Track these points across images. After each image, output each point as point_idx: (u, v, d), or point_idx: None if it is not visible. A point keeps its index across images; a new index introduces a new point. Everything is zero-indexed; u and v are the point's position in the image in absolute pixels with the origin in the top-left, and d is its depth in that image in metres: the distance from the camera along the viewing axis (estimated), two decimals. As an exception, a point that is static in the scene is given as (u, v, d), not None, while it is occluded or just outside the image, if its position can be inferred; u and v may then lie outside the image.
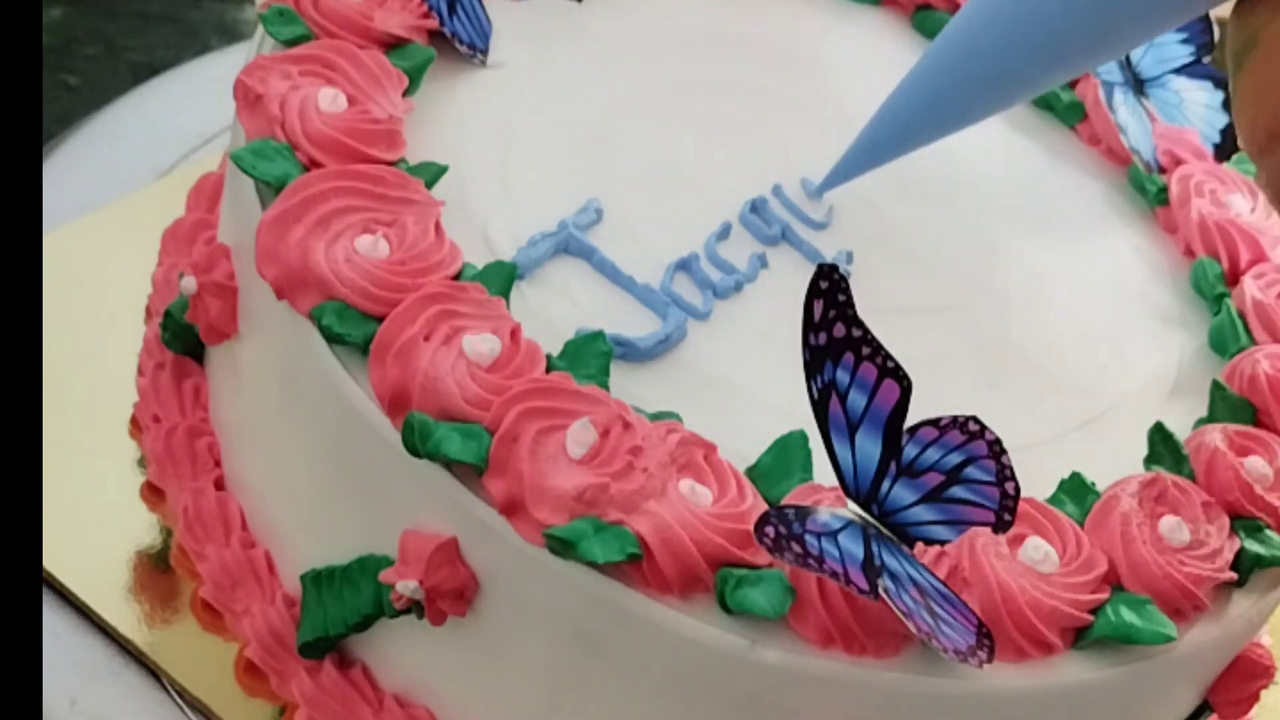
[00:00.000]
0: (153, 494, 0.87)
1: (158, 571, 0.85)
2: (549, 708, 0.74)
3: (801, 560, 0.66)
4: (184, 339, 0.86)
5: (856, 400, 0.71)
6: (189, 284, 0.81)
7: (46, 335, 0.86)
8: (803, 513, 0.69)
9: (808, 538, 0.67)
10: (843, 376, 0.71)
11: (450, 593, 0.72)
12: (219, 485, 0.84)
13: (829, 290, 0.71)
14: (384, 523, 0.74)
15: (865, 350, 0.72)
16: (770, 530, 0.66)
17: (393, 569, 0.73)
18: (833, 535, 0.69)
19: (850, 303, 0.71)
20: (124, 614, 0.83)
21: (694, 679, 0.70)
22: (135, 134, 1.02)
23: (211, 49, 1.21)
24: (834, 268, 0.71)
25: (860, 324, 0.71)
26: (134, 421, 0.90)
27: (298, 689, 0.79)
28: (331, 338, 0.73)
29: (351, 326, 0.73)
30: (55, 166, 0.99)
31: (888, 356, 0.72)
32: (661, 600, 0.69)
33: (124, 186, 0.98)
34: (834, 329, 0.71)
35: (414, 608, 0.73)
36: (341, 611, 0.76)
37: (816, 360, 0.71)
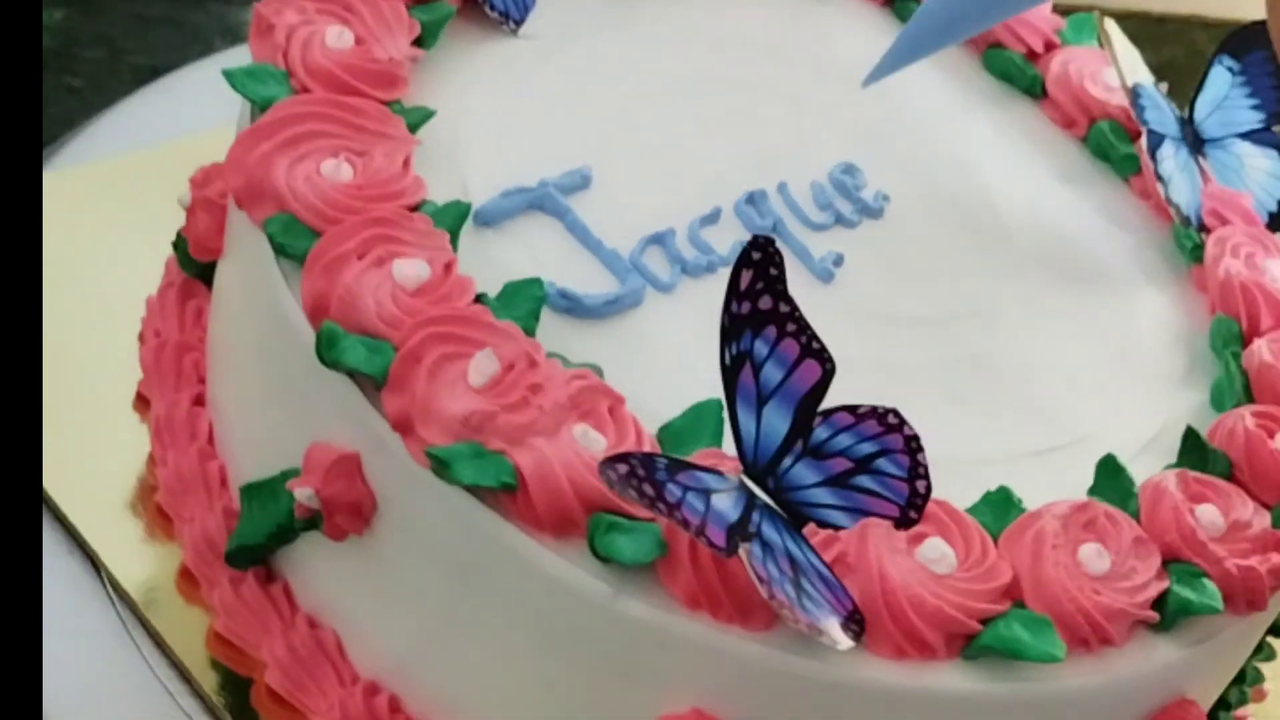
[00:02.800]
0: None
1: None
2: (432, 635, 0.75)
3: (649, 503, 0.65)
4: (192, 260, 0.89)
5: (772, 373, 0.71)
6: (184, 197, 0.85)
7: (47, 336, 0.85)
8: (680, 466, 0.68)
9: (670, 486, 0.66)
10: (761, 348, 0.71)
11: (347, 506, 0.73)
12: (199, 402, 0.87)
13: (761, 262, 0.71)
14: (303, 436, 0.75)
15: (790, 327, 0.71)
16: (622, 467, 0.66)
17: (297, 478, 0.74)
18: (705, 493, 0.68)
19: (781, 277, 0.71)
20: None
21: (562, 623, 0.70)
22: (138, 136, 1.03)
23: (214, 51, 1.22)
24: (769, 240, 0.71)
25: (790, 300, 0.71)
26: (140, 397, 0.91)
27: (218, 598, 0.81)
28: (277, 249, 0.75)
29: (296, 239, 0.75)
30: (58, 168, 1.00)
31: (814, 337, 0.71)
32: (535, 537, 0.69)
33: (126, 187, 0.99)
34: (760, 300, 0.71)
35: (316, 520, 0.74)
36: (263, 522, 0.78)
37: (735, 328, 0.71)
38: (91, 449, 0.88)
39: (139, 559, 0.85)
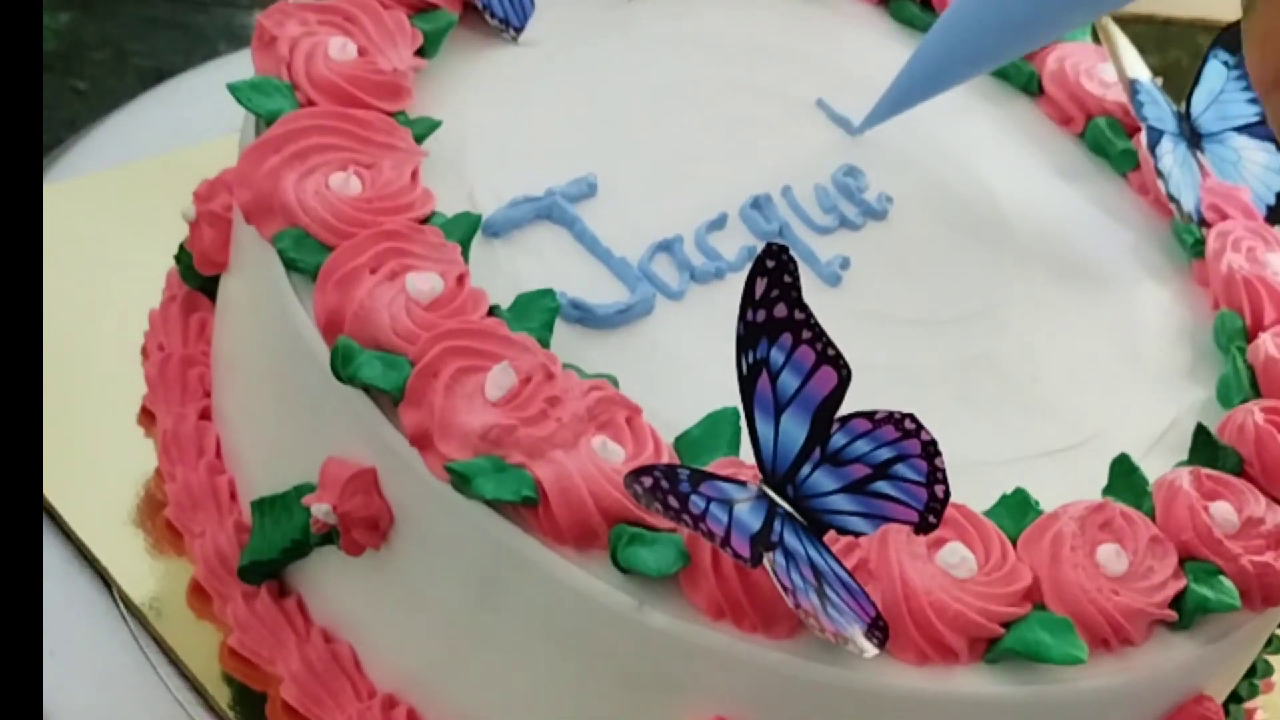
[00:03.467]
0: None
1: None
2: (452, 649, 0.75)
3: (675, 515, 0.65)
4: (196, 273, 0.88)
5: (788, 381, 0.71)
6: (189, 211, 0.84)
7: (50, 349, 0.85)
8: (702, 477, 0.68)
9: (694, 497, 0.66)
10: (777, 356, 0.71)
11: (364, 522, 0.73)
12: (205, 415, 0.87)
13: (775, 269, 0.71)
14: (318, 451, 0.75)
15: (806, 334, 0.71)
16: (647, 480, 0.66)
17: (313, 494, 0.74)
18: (728, 503, 0.68)
19: (796, 285, 0.71)
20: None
21: (585, 635, 0.70)
22: (143, 139, 1.03)
23: (219, 54, 1.22)
24: (783, 248, 0.71)
25: (804, 307, 0.71)
26: (145, 410, 0.90)
27: (232, 612, 0.80)
28: (288, 263, 0.75)
29: (307, 254, 0.75)
30: (63, 171, 1.00)
31: (829, 344, 0.71)
32: (557, 550, 0.69)
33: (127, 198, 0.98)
34: (775, 308, 0.71)
35: (333, 535, 0.74)
36: (277, 537, 0.78)
37: (751, 336, 0.71)
38: (97, 463, 0.88)
39: (147, 574, 0.84)
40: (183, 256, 0.89)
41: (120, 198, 0.98)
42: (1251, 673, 0.87)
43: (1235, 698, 0.87)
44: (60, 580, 0.83)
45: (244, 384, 0.83)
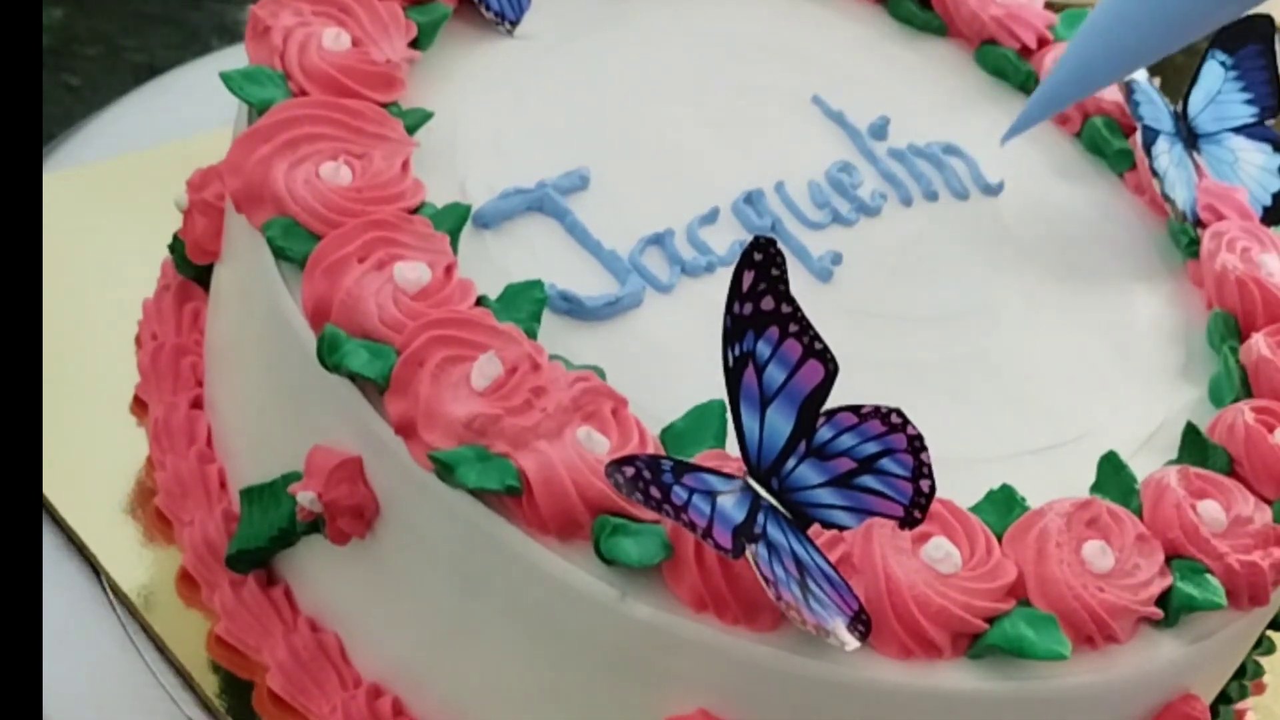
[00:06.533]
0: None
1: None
2: (436, 638, 0.75)
3: (656, 505, 0.65)
4: (189, 262, 0.88)
5: (774, 374, 0.71)
6: (181, 199, 0.84)
7: (43, 338, 0.86)
8: (686, 468, 0.68)
9: (677, 488, 0.66)
10: (764, 349, 0.71)
11: (349, 510, 0.73)
12: (197, 404, 0.87)
13: (763, 262, 0.71)
14: (305, 440, 0.75)
15: (793, 327, 0.71)
16: (628, 470, 0.66)
17: (299, 482, 0.74)
18: (711, 494, 0.68)
19: (783, 278, 0.71)
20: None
21: (567, 625, 0.70)
22: (136, 135, 1.03)
23: (212, 50, 1.22)
24: (771, 241, 0.71)
25: (792, 300, 0.71)
26: (137, 399, 0.90)
27: (219, 601, 0.80)
28: (276, 252, 0.75)
29: (296, 242, 0.75)
30: (56, 167, 1.00)
31: (816, 337, 0.71)
32: (540, 540, 0.69)
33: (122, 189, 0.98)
34: (762, 301, 0.71)
35: (319, 524, 0.74)
36: (264, 526, 0.78)
37: (737, 328, 0.71)
38: (89, 452, 0.88)
39: (138, 562, 0.84)
40: (177, 246, 0.89)
41: (115, 188, 0.98)
42: (1241, 674, 0.87)
43: (1225, 699, 0.87)
44: (50, 568, 0.83)
45: (234, 372, 0.83)
